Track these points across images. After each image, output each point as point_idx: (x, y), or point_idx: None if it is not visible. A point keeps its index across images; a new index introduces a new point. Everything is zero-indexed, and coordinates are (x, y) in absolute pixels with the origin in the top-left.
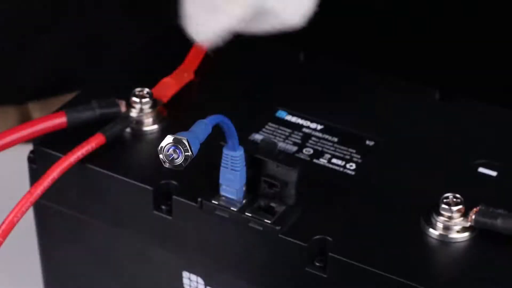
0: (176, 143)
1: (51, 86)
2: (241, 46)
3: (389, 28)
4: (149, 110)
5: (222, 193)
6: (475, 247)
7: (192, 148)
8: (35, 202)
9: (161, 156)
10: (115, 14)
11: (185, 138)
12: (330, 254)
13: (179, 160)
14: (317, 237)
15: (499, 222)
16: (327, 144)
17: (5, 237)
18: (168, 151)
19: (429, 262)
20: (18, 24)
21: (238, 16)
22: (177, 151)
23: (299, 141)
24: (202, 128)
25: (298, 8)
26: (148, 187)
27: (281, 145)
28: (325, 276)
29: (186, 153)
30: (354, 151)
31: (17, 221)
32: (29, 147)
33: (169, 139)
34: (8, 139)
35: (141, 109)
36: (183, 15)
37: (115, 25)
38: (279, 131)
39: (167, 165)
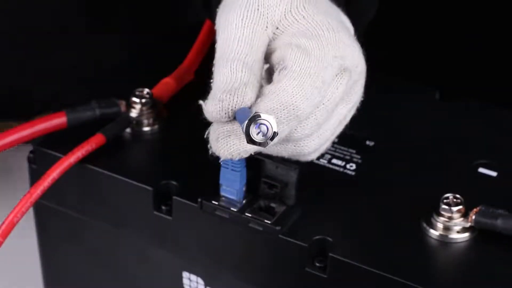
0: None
1: (57, 100)
2: None
3: (389, 28)
4: (149, 111)
5: (222, 193)
6: (475, 247)
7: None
8: (35, 202)
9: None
10: (116, 14)
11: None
12: (330, 254)
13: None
14: (317, 237)
15: (499, 222)
16: None
17: (5, 237)
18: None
19: (429, 262)
20: (23, 36)
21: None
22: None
23: None
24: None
25: (319, 146)
26: (148, 187)
27: None
28: (325, 276)
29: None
30: (354, 151)
31: (17, 222)
32: (29, 148)
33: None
34: (8, 139)
35: (141, 110)
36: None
37: (116, 25)
38: None
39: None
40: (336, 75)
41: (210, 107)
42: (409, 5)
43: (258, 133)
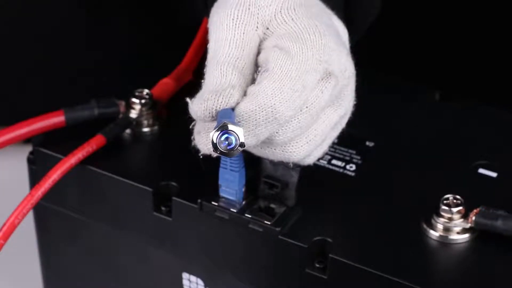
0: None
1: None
2: None
3: (389, 28)
4: (149, 111)
5: (222, 194)
6: (475, 248)
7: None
8: (36, 204)
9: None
10: (116, 15)
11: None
12: (330, 255)
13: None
14: (317, 238)
15: (499, 223)
16: None
17: (6, 239)
18: (221, 138)
19: (429, 263)
20: (22, 36)
21: (249, 145)
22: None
23: None
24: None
25: (309, 153)
26: (148, 188)
27: None
28: (325, 277)
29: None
30: (354, 152)
31: (18, 223)
32: (30, 148)
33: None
34: (6, 137)
35: (140, 110)
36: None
37: (115, 26)
38: None
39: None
40: (322, 79)
41: (195, 106)
42: (410, 5)
43: (225, 143)
